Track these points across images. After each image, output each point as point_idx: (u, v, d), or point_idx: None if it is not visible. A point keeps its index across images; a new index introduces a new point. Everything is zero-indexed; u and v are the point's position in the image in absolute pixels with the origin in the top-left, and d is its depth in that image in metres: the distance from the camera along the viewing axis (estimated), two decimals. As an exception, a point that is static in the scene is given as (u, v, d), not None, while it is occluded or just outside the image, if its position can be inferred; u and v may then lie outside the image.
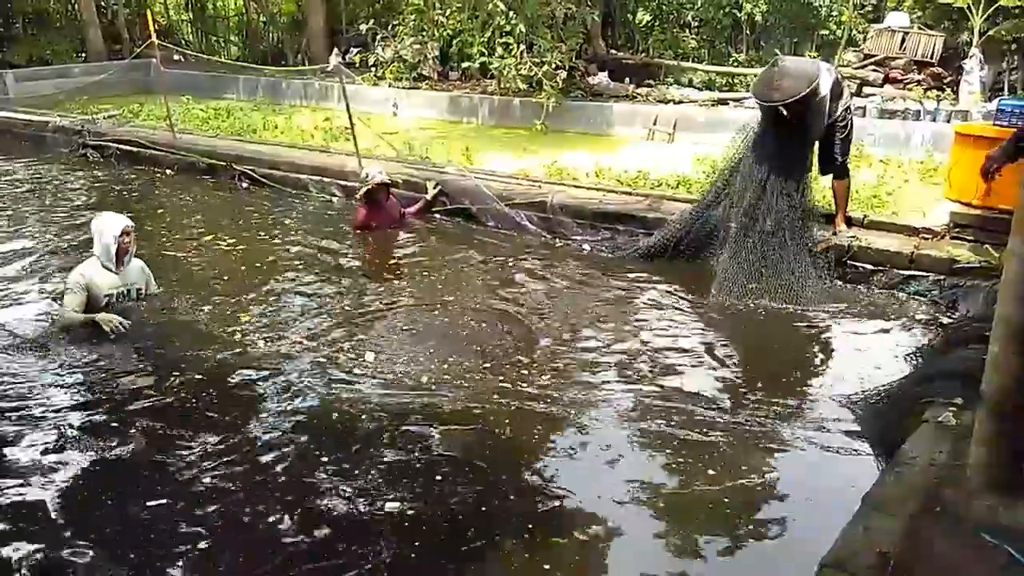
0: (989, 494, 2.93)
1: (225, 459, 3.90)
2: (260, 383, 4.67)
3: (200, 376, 4.73)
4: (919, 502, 2.97)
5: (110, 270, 5.42)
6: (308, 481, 3.73)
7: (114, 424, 4.23)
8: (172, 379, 4.69)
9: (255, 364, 4.89)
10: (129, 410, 4.37)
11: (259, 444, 4.04)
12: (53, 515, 3.53)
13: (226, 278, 6.48)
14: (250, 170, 9.62)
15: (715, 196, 6.63)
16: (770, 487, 3.71)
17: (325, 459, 3.91)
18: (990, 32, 11.36)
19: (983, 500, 2.92)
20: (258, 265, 6.79)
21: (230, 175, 9.76)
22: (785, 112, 5.85)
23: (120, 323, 5.09)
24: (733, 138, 6.69)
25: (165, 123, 11.16)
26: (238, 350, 5.07)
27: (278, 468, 3.84)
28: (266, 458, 3.92)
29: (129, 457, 3.96)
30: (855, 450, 4.00)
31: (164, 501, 3.60)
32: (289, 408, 4.40)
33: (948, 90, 11.13)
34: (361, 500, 3.58)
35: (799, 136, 6.10)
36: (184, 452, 3.96)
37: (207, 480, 3.74)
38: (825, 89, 5.87)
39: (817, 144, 6.25)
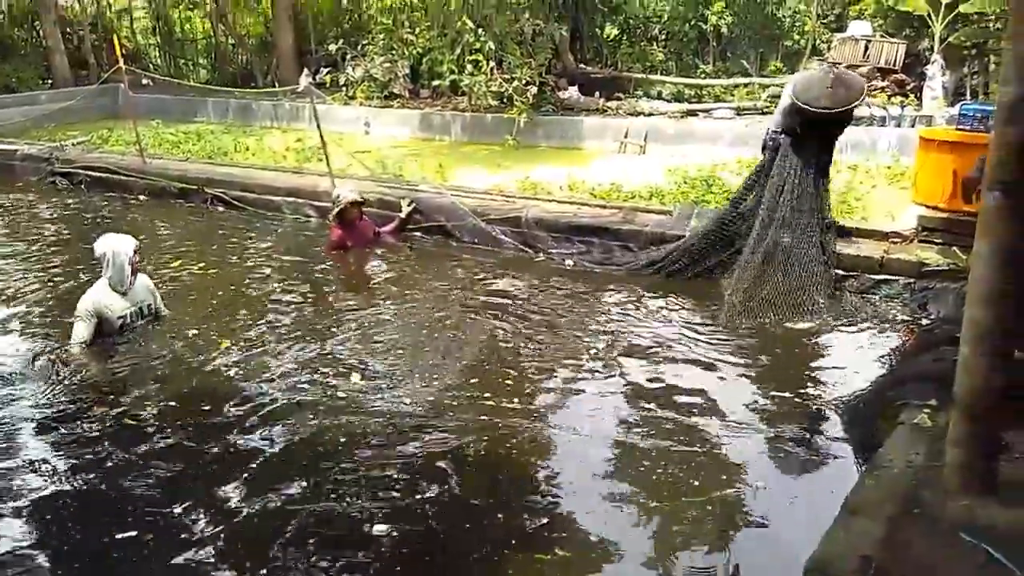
0: (965, 494, 2.97)
1: (207, 487, 3.86)
2: (242, 409, 4.62)
3: (179, 404, 4.68)
4: (898, 504, 3.01)
5: (119, 292, 5.39)
6: (294, 506, 3.70)
7: (90, 456, 4.18)
8: (150, 409, 4.65)
9: (236, 390, 4.84)
10: (106, 442, 4.31)
11: (243, 471, 3.99)
12: (27, 547, 3.49)
13: (202, 304, 6.41)
14: (222, 193, 9.57)
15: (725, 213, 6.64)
16: (753, 495, 3.74)
17: (312, 482, 3.89)
18: (950, 39, 11.59)
19: (960, 500, 2.97)
20: (234, 289, 6.74)
21: (202, 199, 9.70)
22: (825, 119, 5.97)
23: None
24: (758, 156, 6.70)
25: (135, 148, 11.07)
26: (218, 377, 5.02)
27: (263, 494, 3.80)
28: (251, 484, 3.88)
29: (107, 489, 3.91)
30: (835, 454, 4.04)
31: (143, 531, 3.56)
32: (273, 433, 4.35)
33: (912, 96, 11.33)
34: (348, 523, 3.56)
35: (826, 146, 6.20)
36: (164, 481, 3.93)
37: (189, 507, 3.70)
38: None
39: None
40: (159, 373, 5.09)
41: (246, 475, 3.95)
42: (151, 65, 18.90)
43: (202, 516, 3.64)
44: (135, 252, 5.41)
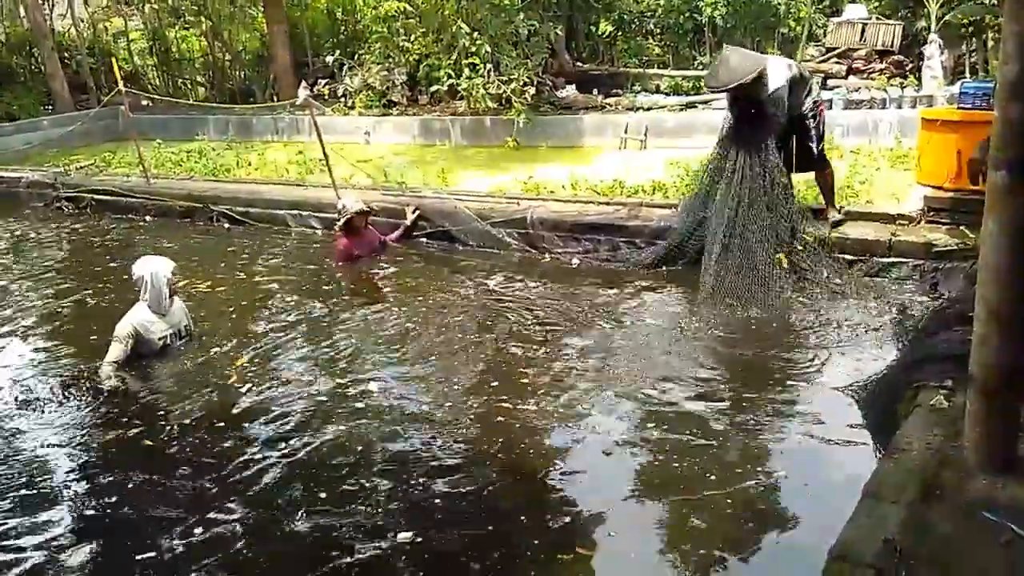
0: (986, 473, 2.97)
1: (229, 502, 3.88)
2: (261, 423, 4.64)
3: (199, 421, 4.70)
4: (919, 487, 3.00)
5: (158, 314, 5.43)
6: (317, 517, 3.71)
7: (110, 476, 4.21)
8: (170, 427, 4.66)
9: (255, 405, 4.86)
10: (124, 460, 4.34)
11: (264, 484, 4.02)
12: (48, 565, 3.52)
13: (214, 321, 6.43)
14: (228, 210, 9.62)
15: (697, 201, 6.68)
16: (773, 484, 3.74)
17: (333, 492, 3.90)
18: (947, 17, 11.55)
19: (981, 479, 2.96)
20: (244, 304, 6.77)
21: (208, 216, 9.75)
22: (733, 96, 6.17)
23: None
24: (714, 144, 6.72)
25: (138, 169, 11.13)
26: (237, 393, 5.03)
27: (285, 505, 3.83)
28: (272, 497, 3.91)
29: (129, 507, 3.93)
30: (854, 440, 4.04)
31: (165, 549, 3.57)
32: (292, 446, 4.36)
33: (911, 77, 11.31)
34: (373, 532, 3.57)
35: (761, 128, 6.18)
36: (187, 498, 3.94)
37: (210, 522, 3.71)
38: (777, 82, 5.99)
39: (794, 142, 6.36)
40: (180, 391, 5.11)
41: (268, 488, 3.97)
42: (150, 86, 18.98)
43: (224, 531, 3.65)
44: (172, 274, 5.45)
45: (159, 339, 5.45)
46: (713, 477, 3.82)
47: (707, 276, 6.07)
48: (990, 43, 11.97)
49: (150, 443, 4.52)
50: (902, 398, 3.92)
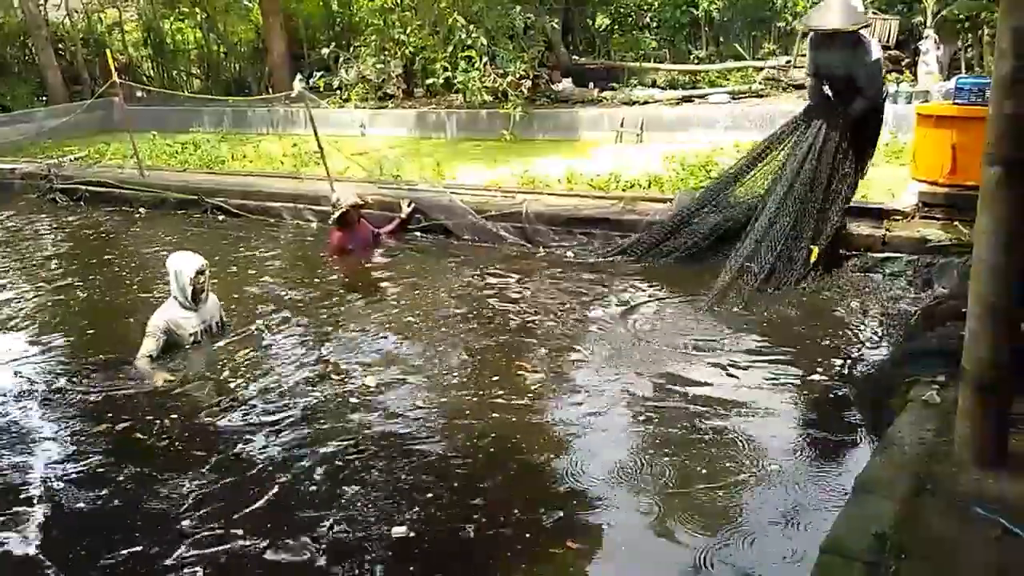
0: (977, 468, 2.99)
1: (224, 497, 3.87)
2: (257, 418, 4.62)
3: (193, 417, 4.67)
4: (910, 482, 3.01)
5: (190, 309, 5.45)
6: (314, 511, 3.70)
7: (102, 469, 4.19)
8: (159, 421, 4.62)
9: (251, 400, 4.83)
10: (116, 455, 4.32)
11: (259, 479, 3.99)
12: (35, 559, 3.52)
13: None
14: (223, 202, 9.59)
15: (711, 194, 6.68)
16: (768, 478, 3.73)
17: (328, 486, 3.89)
18: (943, 13, 11.55)
19: (972, 474, 2.98)
20: (237, 297, 6.72)
21: (203, 208, 9.72)
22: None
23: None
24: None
25: (133, 161, 11.10)
26: (233, 387, 5.01)
27: (281, 498, 3.82)
28: (268, 491, 3.88)
29: (122, 499, 3.92)
30: (847, 434, 4.05)
31: (159, 539, 3.57)
32: (288, 440, 4.35)
33: (907, 72, 11.30)
34: (366, 527, 3.56)
35: (847, 103, 6.01)
36: (181, 490, 3.92)
37: (204, 515, 3.71)
38: (878, 52, 5.83)
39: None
40: (172, 385, 5.07)
41: (263, 483, 3.95)
42: (144, 77, 18.90)
43: (214, 526, 3.64)
44: (199, 273, 5.44)
45: (189, 335, 5.45)
46: (708, 471, 3.81)
47: (736, 259, 6.01)
48: (986, 39, 11.96)
49: (141, 436, 4.49)
50: (895, 393, 3.94)
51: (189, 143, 13.09)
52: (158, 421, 4.62)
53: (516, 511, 3.64)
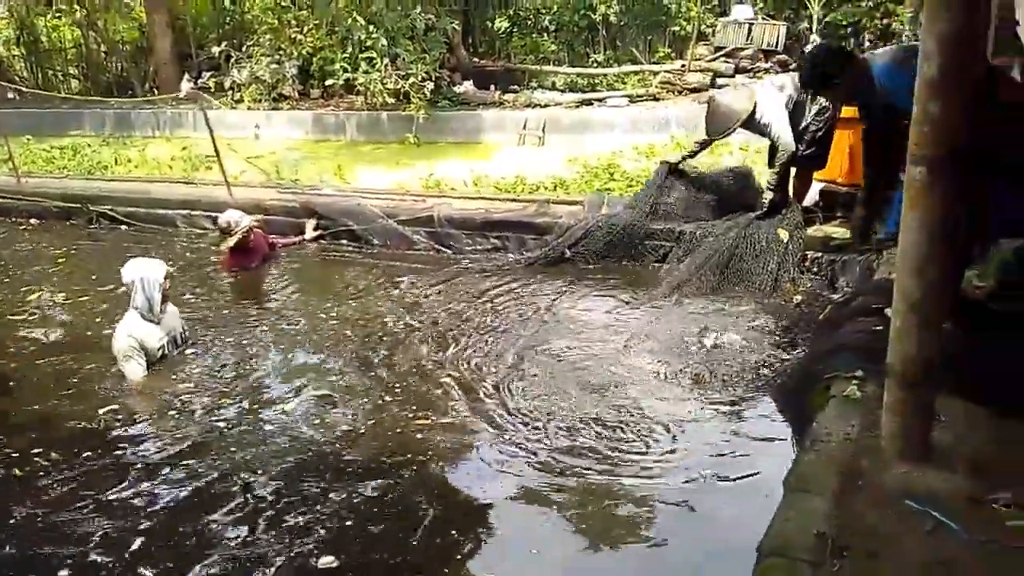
0: (905, 462, 3.03)
1: (121, 533, 3.57)
2: (155, 450, 4.27)
3: (81, 447, 4.28)
4: (841, 478, 3.04)
5: (151, 321, 5.03)
6: (230, 552, 3.42)
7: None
8: (42, 452, 4.24)
9: (146, 429, 4.48)
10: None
11: (162, 515, 3.70)
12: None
13: (93, 336, 5.90)
14: (109, 210, 9.04)
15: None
16: (696, 484, 3.72)
17: (248, 520, 3.62)
18: (828, 18, 12.07)
19: (900, 469, 3.02)
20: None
21: (87, 218, 9.14)
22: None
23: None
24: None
25: (8, 167, 10.34)
26: (128, 414, 4.64)
27: (189, 537, 3.54)
28: (174, 529, 3.59)
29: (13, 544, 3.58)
30: (772, 434, 4.09)
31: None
32: (197, 471, 4.03)
33: (796, 75, 11.69)
34: (292, 560, 3.33)
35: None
36: (71, 530, 3.59)
37: (109, 555, 3.43)
38: (764, 109, 6.27)
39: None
40: (58, 414, 4.66)
41: (165, 521, 3.66)
42: (16, 78, 17.72)
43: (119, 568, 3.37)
44: (167, 276, 5.08)
45: (157, 348, 5.06)
46: (634, 479, 3.78)
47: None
48: (867, 43, 12.56)
49: (20, 473, 4.09)
50: (814, 389, 4.00)
51: (68, 147, 12.35)
52: (41, 452, 4.22)
53: (447, 533, 3.50)
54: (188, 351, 5.39)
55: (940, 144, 2.71)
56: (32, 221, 9.57)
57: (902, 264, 2.93)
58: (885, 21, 12.06)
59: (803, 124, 6.35)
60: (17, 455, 4.25)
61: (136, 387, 4.91)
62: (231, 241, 7.06)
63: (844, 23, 12.27)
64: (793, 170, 6.54)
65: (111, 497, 3.83)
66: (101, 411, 4.65)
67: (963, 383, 3.38)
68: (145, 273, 5.03)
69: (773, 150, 6.52)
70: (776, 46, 12.68)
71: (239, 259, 7.19)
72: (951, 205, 2.78)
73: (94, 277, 7.28)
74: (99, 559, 3.41)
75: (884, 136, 4.32)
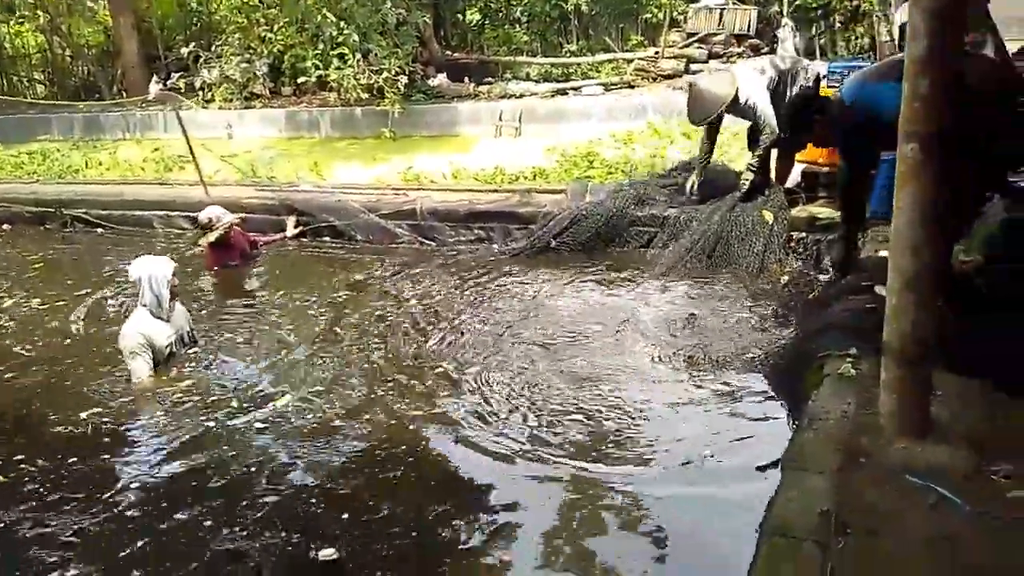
0: (904, 438, 3.04)
1: (123, 534, 3.51)
2: (151, 449, 4.20)
3: (70, 448, 4.21)
4: (841, 455, 3.05)
5: (161, 319, 4.92)
6: (229, 547, 3.37)
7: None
8: (36, 456, 4.17)
9: (141, 428, 4.42)
10: None
11: (163, 512, 3.64)
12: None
13: (73, 342, 5.81)
14: (83, 213, 8.90)
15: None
16: (691, 462, 3.72)
17: (248, 515, 3.57)
18: (798, 2, 12.13)
19: (899, 445, 3.04)
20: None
21: (61, 222, 8.99)
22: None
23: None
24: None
25: (-25, 174, 10.18)
26: (118, 416, 4.54)
27: (198, 530, 3.49)
28: (177, 526, 3.53)
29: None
30: (765, 412, 4.10)
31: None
32: (195, 468, 3.97)
33: (774, 57, 11.74)
34: (292, 554, 3.30)
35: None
36: (67, 533, 3.52)
37: (108, 553, 3.37)
38: (749, 92, 6.26)
39: None
40: (46, 414, 4.59)
41: (167, 517, 3.61)
42: (-21, 84, 17.44)
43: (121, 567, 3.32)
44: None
45: (164, 347, 4.94)
46: (634, 459, 3.78)
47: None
48: (837, 25, 12.66)
49: (4, 479, 3.99)
50: (808, 368, 4.01)
51: (37, 152, 12.15)
52: (35, 458, 4.15)
53: (446, 524, 3.48)
54: (192, 350, 5.28)
55: (931, 120, 2.71)
56: (4, 227, 9.42)
57: (896, 243, 2.93)
58: (855, 3, 12.15)
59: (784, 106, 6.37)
60: (1, 461, 4.15)
61: (139, 386, 4.80)
62: (212, 236, 7.00)
63: (814, 5, 12.34)
64: (774, 152, 6.55)
65: (100, 499, 3.76)
66: (84, 415, 4.56)
67: (956, 363, 3.39)
68: (152, 270, 4.93)
69: (753, 133, 6.54)
70: (748, 31, 12.73)
71: (219, 255, 7.11)
72: (943, 182, 2.78)
73: (70, 282, 7.16)
74: (89, 561, 3.35)
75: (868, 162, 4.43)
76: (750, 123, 6.59)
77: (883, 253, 3.84)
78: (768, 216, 6.09)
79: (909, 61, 2.73)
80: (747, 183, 6.45)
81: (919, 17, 2.67)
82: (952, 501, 2.70)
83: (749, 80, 6.27)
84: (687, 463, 3.72)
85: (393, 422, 4.29)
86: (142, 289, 4.93)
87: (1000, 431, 3.12)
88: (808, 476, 2.99)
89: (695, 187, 6.80)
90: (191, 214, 8.33)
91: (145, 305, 4.93)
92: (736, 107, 6.33)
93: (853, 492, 2.84)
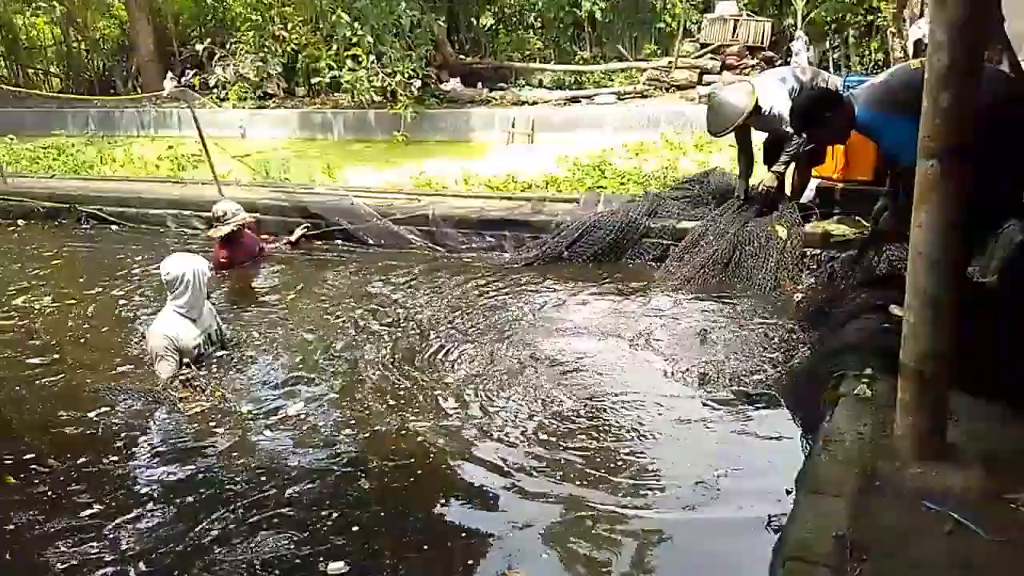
0: (920, 462, 3.03)
1: (131, 542, 3.50)
2: (158, 455, 4.19)
3: (82, 453, 4.19)
4: (857, 478, 3.03)
5: (190, 319, 4.89)
6: (238, 557, 3.36)
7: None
8: (44, 459, 4.15)
9: (148, 432, 4.40)
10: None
11: (173, 521, 3.63)
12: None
13: (96, 337, 5.82)
14: (97, 210, 8.93)
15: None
16: (704, 481, 3.71)
17: (257, 525, 3.55)
18: (811, 15, 12.12)
19: (916, 468, 3.02)
20: (115, 318, 6.16)
21: (76, 218, 9.02)
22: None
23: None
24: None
25: (-7, 167, 10.19)
26: (128, 420, 4.53)
27: (205, 543, 3.47)
28: (185, 534, 3.52)
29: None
30: (778, 431, 4.08)
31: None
32: (202, 476, 3.96)
33: (794, 67, 11.73)
34: (302, 566, 3.28)
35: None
36: (76, 538, 3.52)
37: (118, 561, 3.37)
38: (772, 101, 6.16)
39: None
40: (55, 419, 4.55)
41: (182, 526, 3.59)
42: (-4, 76, 17.52)
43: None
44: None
45: (193, 347, 4.90)
46: (645, 479, 3.76)
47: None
48: (851, 39, 12.63)
49: (14, 480, 3.99)
50: (822, 388, 4.00)
51: (52, 147, 12.19)
52: (44, 460, 4.14)
53: (455, 537, 3.46)
54: (219, 353, 5.23)
55: (952, 135, 2.70)
56: (19, 222, 9.43)
57: (914, 261, 2.91)
58: (869, 18, 12.14)
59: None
60: (11, 461, 4.15)
61: (165, 384, 4.77)
62: (224, 230, 6.96)
63: (828, 19, 12.33)
64: (792, 166, 6.53)
65: (109, 503, 3.76)
66: (95, 415, 4.56)
67: (974, 385, 3.38)
68: (197, 265, 4.90)
69: (771, 147, 6.50)
70: (762, 42, 12.70)
71: (228, 251, 7.09)
72: (964, 199, 2.77)
73: (82, 280, 7.16)
74: (98, 566, 3.34)
75: None
76: (767, 136, 6.56)
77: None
78: (782, 231, 6.07)
79: (929, 75, 2.72)
80: (768, 189, 6.41)
81: (940, 30, 2.66)
82: (969, 527, 2.69)
83: (771, 89, 6.21)
84: (699, 483, 3.69)
85: (403, 433, 4.27)
86: (180, 287, 4.86)
87: (1019, 455, 3.10)
88: (823, 499, 2.97)
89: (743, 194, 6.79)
90: (205, 214, 8.34)
91: (177, 304, 4.88)
92: (761, 118, 6.24)
93: (869, 516, 2.83)
